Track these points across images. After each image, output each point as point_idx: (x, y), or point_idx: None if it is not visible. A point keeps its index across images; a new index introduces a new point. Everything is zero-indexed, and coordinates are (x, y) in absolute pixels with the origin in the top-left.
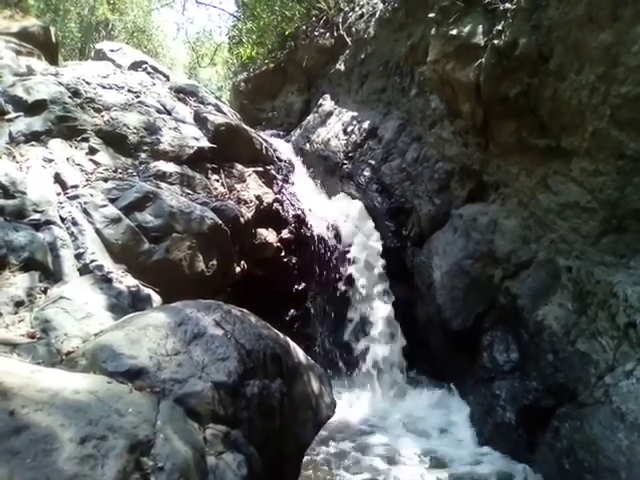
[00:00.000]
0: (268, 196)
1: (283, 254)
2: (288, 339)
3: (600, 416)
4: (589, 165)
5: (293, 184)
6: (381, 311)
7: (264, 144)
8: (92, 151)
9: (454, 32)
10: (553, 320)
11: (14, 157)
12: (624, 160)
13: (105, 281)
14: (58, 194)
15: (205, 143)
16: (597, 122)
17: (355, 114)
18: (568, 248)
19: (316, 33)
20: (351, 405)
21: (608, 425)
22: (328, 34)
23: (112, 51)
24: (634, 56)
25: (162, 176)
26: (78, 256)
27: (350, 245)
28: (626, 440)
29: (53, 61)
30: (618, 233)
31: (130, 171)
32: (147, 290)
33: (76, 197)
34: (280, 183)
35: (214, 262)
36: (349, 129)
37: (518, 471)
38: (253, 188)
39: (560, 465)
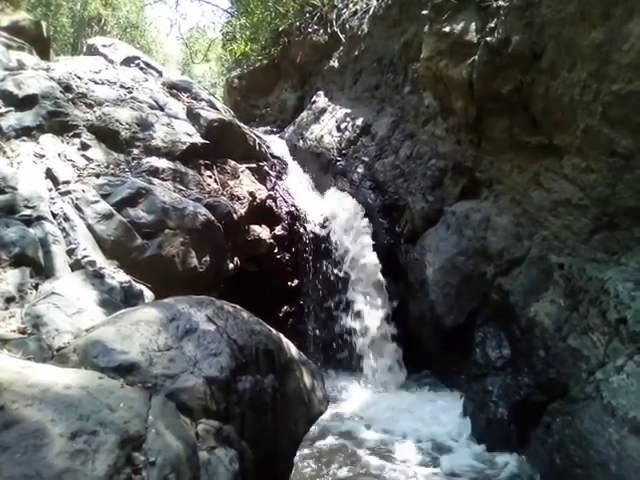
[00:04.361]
0: (261, 192)
1: (276, 250)
2: (281, 335)
3: (591, 411)
4: (581, 162)
5: (286, 181)
6: (375, 307)
7: (257, 140)
8: (84, 147)
9: (447, 29)
10: (545, 316)
11: (5, 152)
12: (615, 157)
13: (97, 277)
14: (50, 190)
15: (198, 139)
16: (589, 119)
17: (348, 111)
18: (560, 245)
19: (310, 30)
20: (344, 400)
21: (599, 420)
22: (322, 31)
23: (104, 46)
24: (625, 54)
25: (154, 172)
26: (70, 252)
27: (343, 241)
28: (616, 434)
29: (44, 56)
30: (609, 230)
31: (122, 167)
32: (139, 286)
33: (68, 193)
34: (273, 179)
35: (207, 258)
36: (342, 126)
37: (510, 465)
38: (246, 184)
39: (551, 460)
